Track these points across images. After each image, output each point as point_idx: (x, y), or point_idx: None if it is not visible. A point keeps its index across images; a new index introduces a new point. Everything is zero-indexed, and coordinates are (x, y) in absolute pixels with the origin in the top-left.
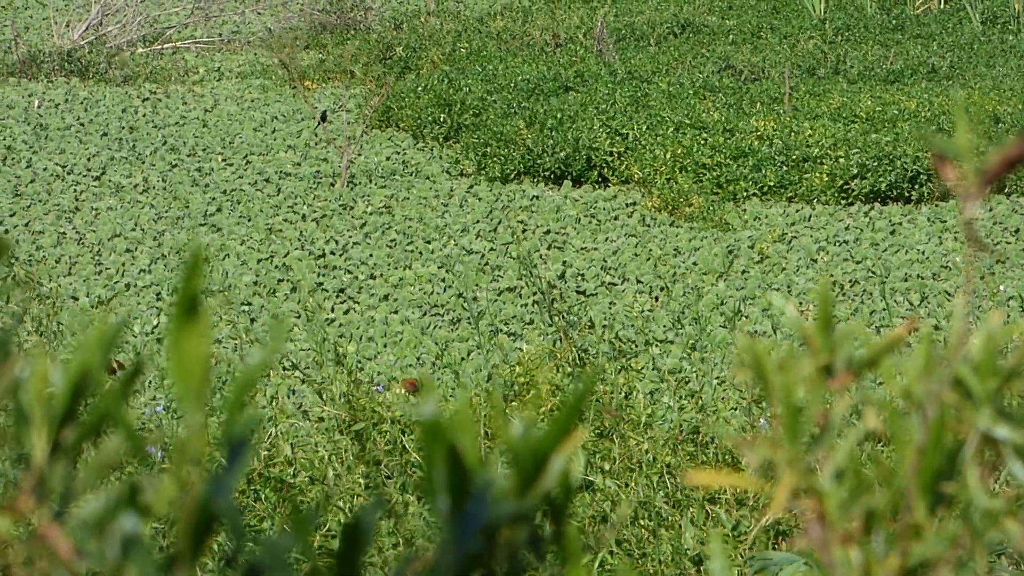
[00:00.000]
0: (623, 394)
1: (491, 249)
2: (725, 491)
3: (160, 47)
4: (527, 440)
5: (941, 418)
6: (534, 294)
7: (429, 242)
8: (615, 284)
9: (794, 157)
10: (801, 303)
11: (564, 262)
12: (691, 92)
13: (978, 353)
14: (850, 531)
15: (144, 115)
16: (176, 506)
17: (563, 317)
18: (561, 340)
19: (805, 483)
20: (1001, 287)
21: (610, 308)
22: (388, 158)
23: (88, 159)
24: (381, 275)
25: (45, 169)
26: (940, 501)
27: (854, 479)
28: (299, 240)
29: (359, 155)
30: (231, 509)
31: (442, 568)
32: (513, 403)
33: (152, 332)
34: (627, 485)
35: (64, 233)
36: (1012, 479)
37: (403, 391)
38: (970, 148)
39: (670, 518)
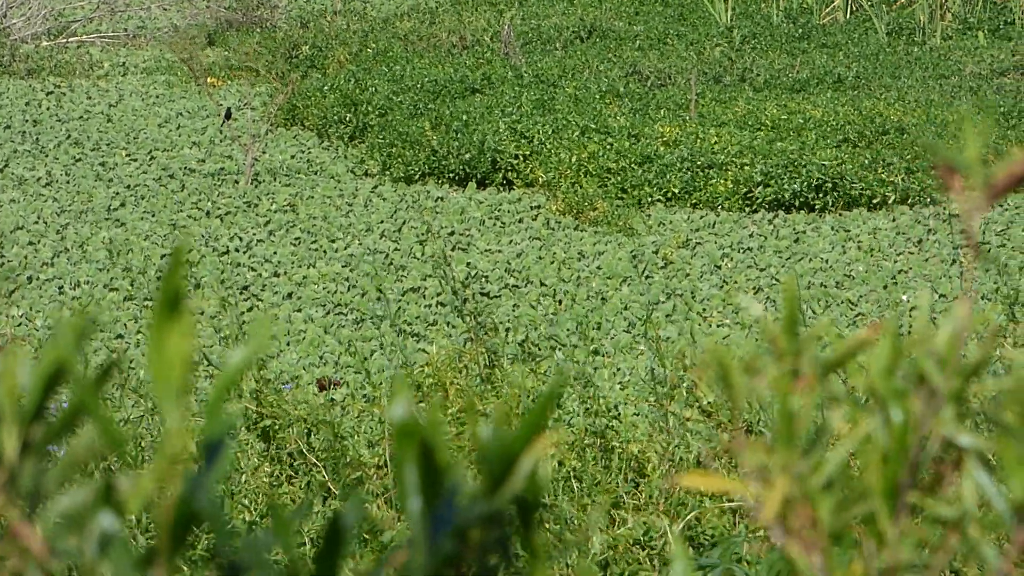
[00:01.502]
0: (531, 398)
1: (395, 249)
2: (629, 495)
3: (65, 41)
4: (498, 442)
5: (905, 424)
6: (438, 294)
7: (333, 241)
8: (519, 287)
9: (699, 164)
10: (704, 309)
11: (468, 263)
12: (597, 97)
13: (941, 351)
14: (824, 536)
15: (48, 108)
16: (154, 504)
17: (474, 318)
18: (472, 341)
19: (797, 489)
20: (904, 296)
21: (514, 311)
22: (293, 156)
23: None
24: (285, 273)
25: None
26: (904, 509)
27: (845, 486)
28: (203, 237)
29: (264, 153)
30: (213, 508)
31: (413, 570)
32: (421, 404)
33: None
34: None
35: None
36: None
37: (316, 389)
38: (978, 161)
39: (576, 521)
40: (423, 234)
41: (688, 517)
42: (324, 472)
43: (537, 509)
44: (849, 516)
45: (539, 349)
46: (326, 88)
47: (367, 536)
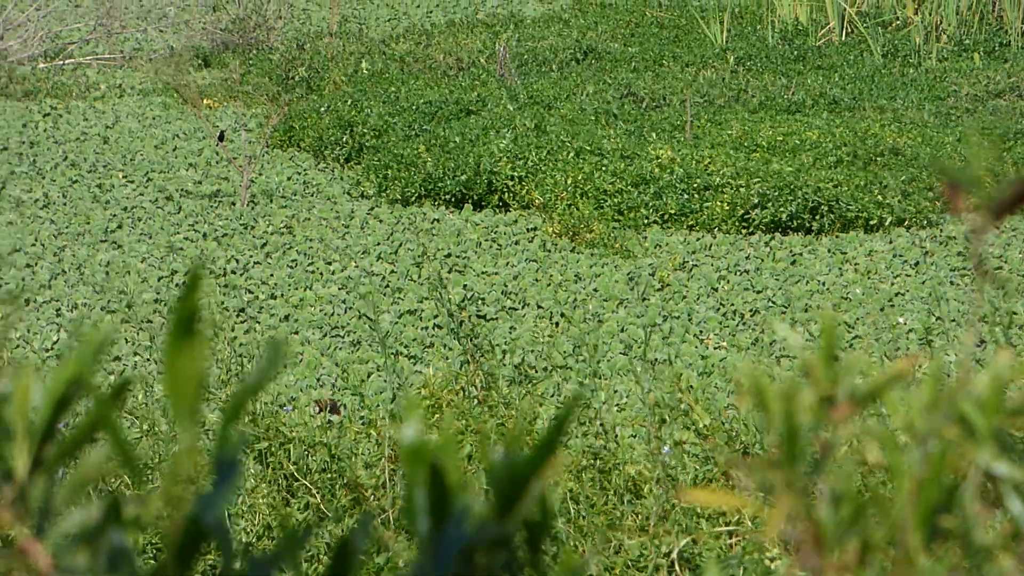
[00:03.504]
0: (528, 420)
1: (392, 271)
2: (627, 517)
3: (61, 62)
4: (509, 465)
5: (942, 453)
6: (435, 316)
7: (330, 263)
8: (516, 309)
9: (695, 185)
10: (700, 331)
11: (465, 285)
12: (592, 118)
13: (983, 390)
14: (845, 560)
15: (45, 130)
16: (165, 522)
17: (470, 340)
18: (469, 363)
19: (802, 508)
20: (900, 319)
21: (510, 333)
22: (289, 178)
23: None
24: (282, 295)
25: None
26: (937, 534)
27: (851, 507)
28: (200, 258)
29: (260, 175)
30: (221, 527)
31: None
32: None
33: (52, 348)
34: None
35: None
36: (1010, 515)
37: (315, 411)
38: (984, 179)
39: (573, 543)
40: (419, 256)
41: (685, 540)
42: (320, 493)
43: (545, 533)
44: (856, 535)
45: (536, 371)
46: (322, 109)
47: (363, 557)
